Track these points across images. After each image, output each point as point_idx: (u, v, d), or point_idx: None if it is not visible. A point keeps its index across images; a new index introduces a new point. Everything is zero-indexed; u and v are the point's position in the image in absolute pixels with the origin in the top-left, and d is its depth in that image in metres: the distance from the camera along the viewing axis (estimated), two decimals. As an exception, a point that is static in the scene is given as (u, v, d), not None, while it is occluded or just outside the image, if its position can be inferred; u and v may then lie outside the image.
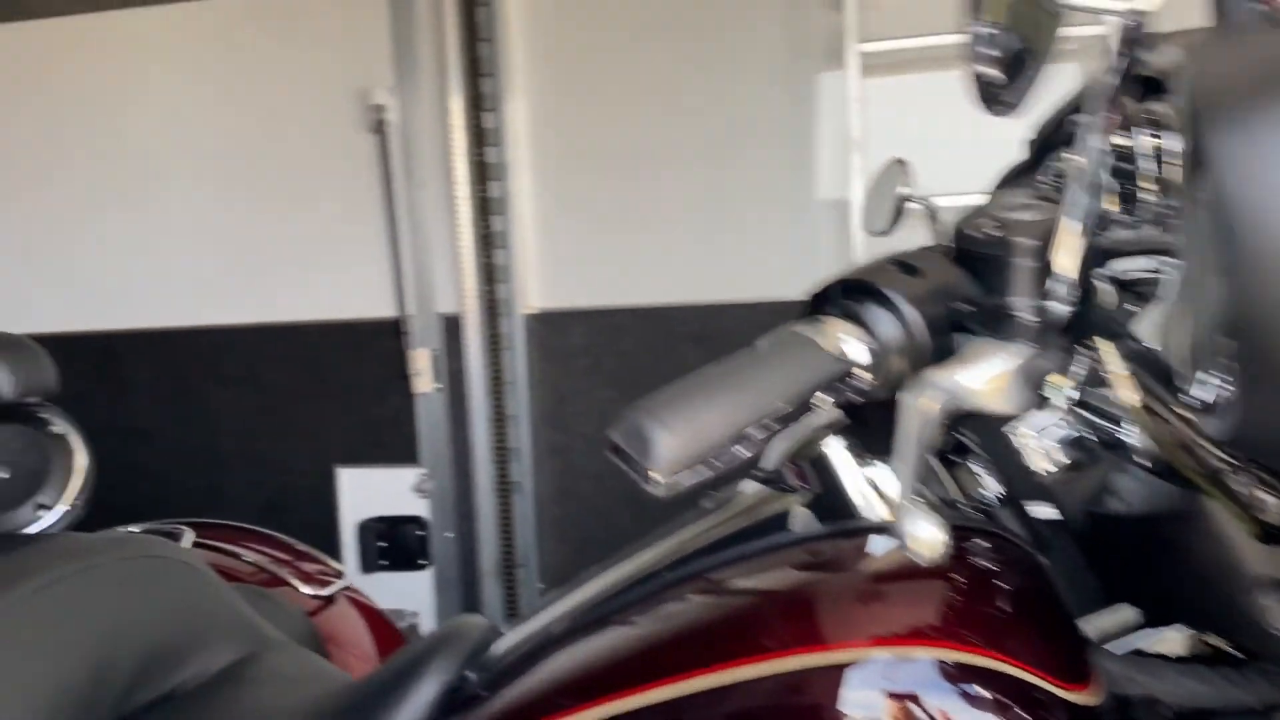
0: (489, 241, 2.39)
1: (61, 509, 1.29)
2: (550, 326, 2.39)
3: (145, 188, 2.55)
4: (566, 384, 2.40)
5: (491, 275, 2.39)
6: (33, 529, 1.27)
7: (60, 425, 1.35)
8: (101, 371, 2.61)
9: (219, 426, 2.57)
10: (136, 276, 2.57)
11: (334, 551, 2.49)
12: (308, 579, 1.61)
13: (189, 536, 1.35)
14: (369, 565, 2.50)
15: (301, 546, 1.74)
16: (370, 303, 2.46)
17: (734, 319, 2.30)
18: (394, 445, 2.48)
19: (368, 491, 2.51)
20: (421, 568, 2.49)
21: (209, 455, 2.58)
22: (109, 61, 2.53)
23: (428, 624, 2.50)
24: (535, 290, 2.40)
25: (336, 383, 2.50)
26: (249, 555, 1.56)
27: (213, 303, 2.54)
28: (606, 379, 2.37)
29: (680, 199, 2.32)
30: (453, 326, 2.42)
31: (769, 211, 2.27)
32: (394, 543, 2.50)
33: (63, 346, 2.62)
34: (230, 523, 1.75)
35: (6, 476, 1.29)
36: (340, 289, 2.48)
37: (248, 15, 2.45)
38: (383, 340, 2.46)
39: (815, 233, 2.25)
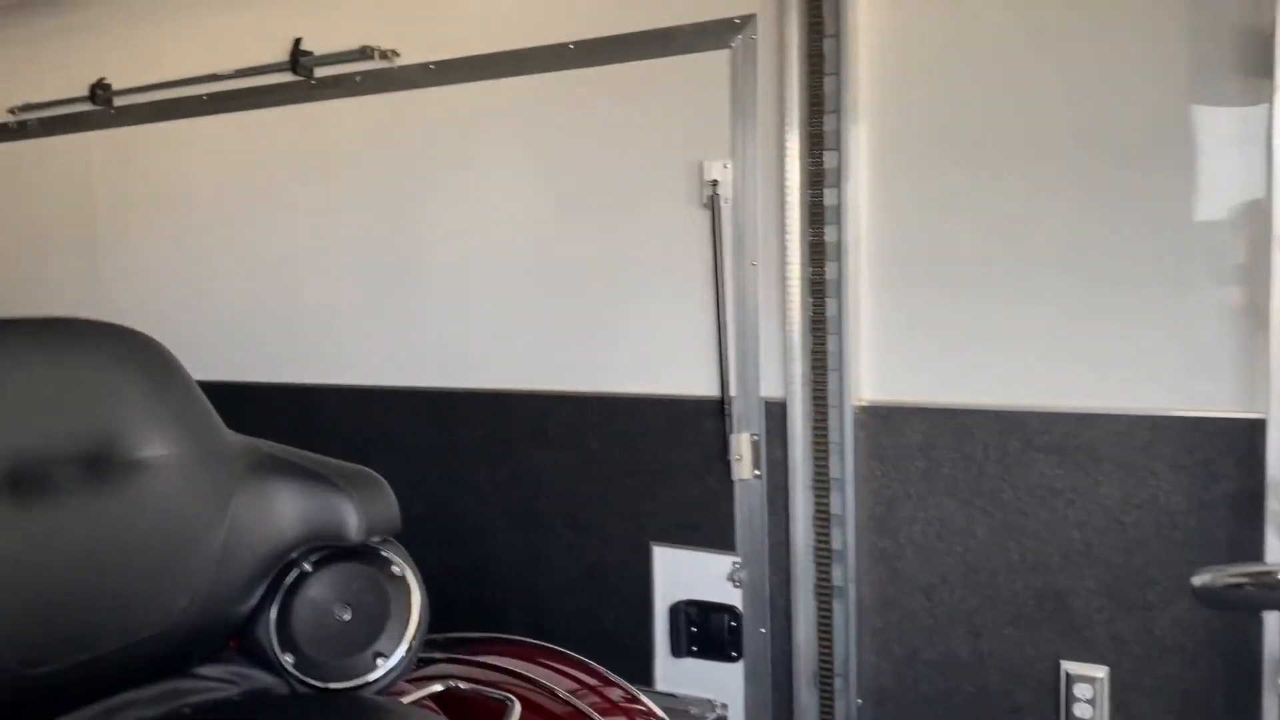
0: (820, 326, 2.23)
1: (398, 656, 1.29)
2: (883, 422, 2.20)
3: (481, 252, 2.62)
4: (898, 486, 2.20)
5: (821, 362, 2.24)
6: (370, 677, 1.29)
7: (399, 566, 1.36)
8: (441, 426, 2.72)
9: (542, 489, 2.61)
10: (473, 338, 2.66)
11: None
12: (621, 715, 1.55)
13: (516, 709, 1.31)
14: (679, 649, 2.44)
15: (613, 677, 1.68)
16: (693, 381, 2.38)
17: (1103, 432, 2.00)
18: (709, 529, 2.40)
19: (681, 573, 2.45)
20: (733, 659, 2.39)
21: (532, 516, 2.62)
22: (455, 133, 2.63)
23: (736, 718, 2.40)
24: (868, 381, 2.22)
25: (656, 458, 2.45)
26: (564, 689, 1.51)
27: (541, 369, 2.57)
28: (945, 485, 2.15)
29: (1041, 286, 2.04)
30: (776, 413, 2.29)
31: (1155, 307, 1.94)
32: (705, 629, 2.42)
33: (408, 400, 2.79)
34: (545, 645, 1.73)
35: (348, 618, 1.32)
36: (664, 364, 2.42)
37: (587, 86, 2.44)
38: (703, 420, 2.38)
39: (1214, 339, 1.90)
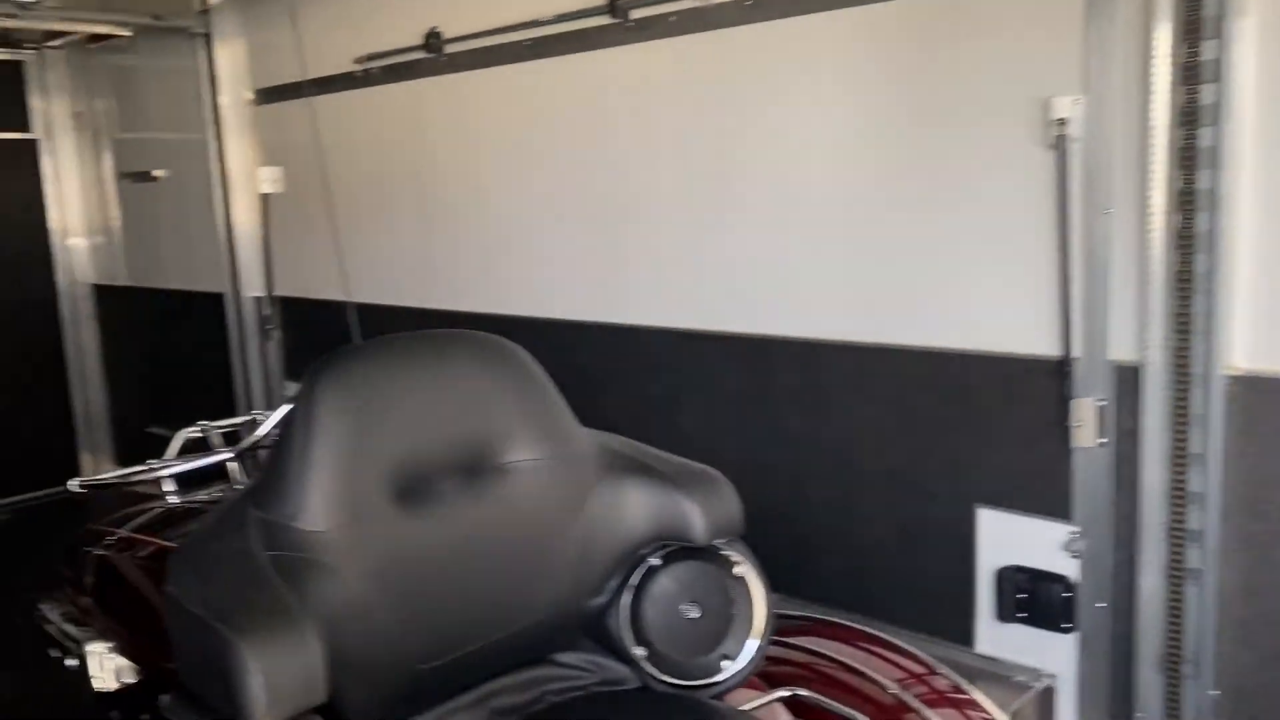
0: (1186, 283, 1.99)
1: (744, 660, 1.31)
2: (1260, 394, 1.94)
3: (798, 196, 2.55)
4: (1275, 467, 1.95)
5: (1185, 324, 2.00)
6: (717, 677, 1.32)
7: (742, 566, 1.37)
8: (754, 373, 2.72)
9: (858, 443, 2.55)
10: (788, 284, 2.61)
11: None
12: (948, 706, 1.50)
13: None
14: (1005, 614, 2.34)
15: (941, 667, 1.63)
16: (1028, 338, 2.21)
17: None
18: (1042, 495, 2.25)
19: (1009, 538, 2.33)
20: (1065, 630, 2.27)
21: (846, 468, 2.58)
22: (772, 70, 2.54)
23: (1066, 691, 2.29)
24: (1242, 348, 1.96)
25: (982, 418, 2.32)
26: (888, 678, 1.48)
27: (859, 318, 2.49)
28: (1337, 472, 1.88)
29: None
30: (1127, 377, 2.09)
31: None
32: (1034, 597, 2.30)
33: (722, 344, 2.81)
34: (868, 630, 1.69)
35: (697, 616, 1.35)
36: (995, 319, 2.27)
37: (917, 16, 2.27)
38: (1038, 381, 2.21)
39: None
